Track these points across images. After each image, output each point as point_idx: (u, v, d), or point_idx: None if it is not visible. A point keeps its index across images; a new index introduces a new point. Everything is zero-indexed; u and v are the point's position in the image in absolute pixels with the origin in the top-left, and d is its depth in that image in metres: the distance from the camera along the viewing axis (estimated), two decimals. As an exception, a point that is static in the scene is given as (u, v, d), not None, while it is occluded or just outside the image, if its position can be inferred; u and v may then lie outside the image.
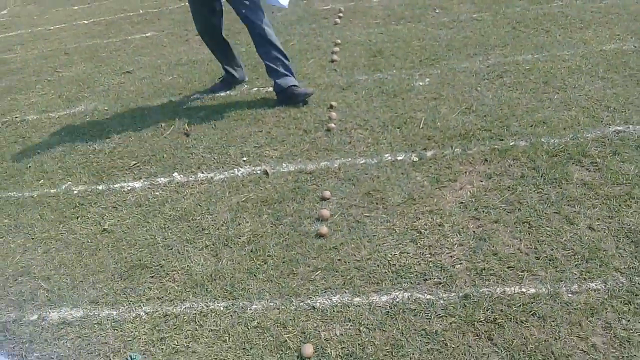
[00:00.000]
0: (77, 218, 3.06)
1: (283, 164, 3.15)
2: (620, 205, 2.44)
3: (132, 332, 2.29)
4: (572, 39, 3.98)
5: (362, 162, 3.04)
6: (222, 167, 3.23)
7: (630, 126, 2.92)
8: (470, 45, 4.17)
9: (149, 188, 3.20)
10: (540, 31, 4.19)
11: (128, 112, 4.15)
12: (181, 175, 3.24)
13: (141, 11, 6.85)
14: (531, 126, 3.07)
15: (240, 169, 3.19)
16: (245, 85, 4.19)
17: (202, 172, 3.22)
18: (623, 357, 1.83)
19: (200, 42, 5.24)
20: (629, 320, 1.94)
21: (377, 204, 2.70)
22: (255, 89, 4.12)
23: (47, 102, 4.67)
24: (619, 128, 2.93)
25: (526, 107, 3.27)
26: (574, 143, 2.87)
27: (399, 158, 3.01)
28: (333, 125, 3.40)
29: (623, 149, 2.76)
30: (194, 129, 3.70)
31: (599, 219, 2.39)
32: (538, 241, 2.33)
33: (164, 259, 2.62)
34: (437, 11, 4.94)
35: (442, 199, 2.66)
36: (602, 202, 2.48)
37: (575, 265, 2.19)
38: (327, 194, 2.81)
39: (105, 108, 4.28)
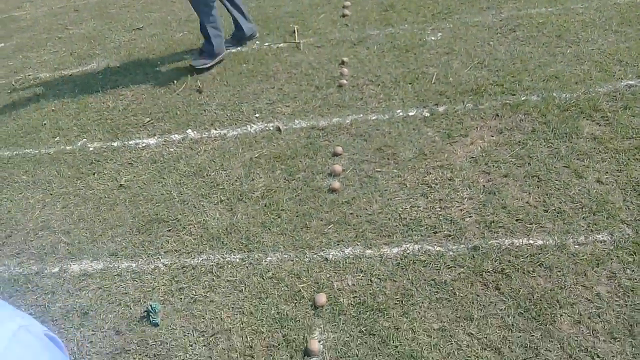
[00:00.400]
0: (94, 174, 3.13)
1: (295, 120, 3.18)
2: (629, 159, 2.46)
3: (151, 283, 2.38)
4: (587, -9, 3.91)
5: (374, 118, 3.06)
6: (235, 124, 3.27)
7: (644, 80, 2.91)
8: (483, -2, 4.11)
9: (163, 144, 3.25)
10: (555, -17, 4.11)
11: (140, 69, 4.17)
12: (195, 132, 3.28)
13: (149, -34, 6.75)
14: (543, 81, 3.07)
15: (253, 125, 3.23)
16: (257, 42, 4.17)
17: (216, 129, 3.26)
18: (627, 305, 1.89)
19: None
20: (633, 271, 1.99)
21: (388, 159, 2.74)
22: (267, 44, 4.11)
23: (59, 59, 4.69)
24: (631, 82, 2.92)
25: (539, 61, 3.25)
26: (586, 97, 2.87)
27: (410, 114, 3.03)
28: (345, 81, 3.41)
29: (634, 103, 2.76)
30: (206, 86, 3.72)
31: (607, 172, 2.42)
32: (547, 194, 2.37)
33: (180, 214, 2.69)
34: (449, -37, 4.83)
35: (453, 154, 2.70)
36: (612, 156, 2.50)
37: (583, 218, 2.23)
38: (339, 149, 2.85)
39: (117, 65, 4.30)
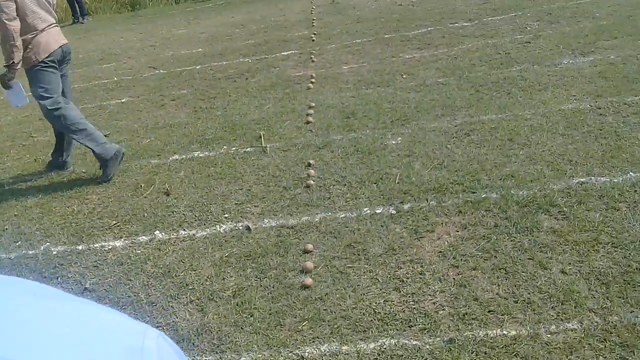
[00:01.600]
0: (57, 278, 3.03)
1: (265, 220, 3.22)
2: (588, 250, 2.57)
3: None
4: (532, 100, 4.25)
5: (342, 216, 3.13)
6: (204, 224, 3.28)
7: (592, 177, 3.12)
8: (438, 106, 4.41)
9: (130, 246, 3.21)
10: (502, 93, 4.47)
11: (106, 173, 4.19)
12: (163, 233, 3.26)
13: (115, 78, 6.99)
14: (500, 179, 3.24)
15: (222, 225, 3.24)
16: (224, 147, 4.29)
17: (184, 230, 3.26)
18: (604, 392, 1.90)
19: (177, 106, 5.40)
20: (605, 357, 2.02)
21: (359, 255, 2.78)
22: (234, 148, 4.23)
23: (23, 166, 4.67)
24: (582, 179, 3.12)
25: (494, 162, 3.45)
26: (542, 194, 3.04)
27: (377, 211, 3.12)
28: (312, 182, 3.51)
29: (587, 199, 2.94)
30: (173, 188, 3.75)
31: (570, 263, 2.52)
32: (515, 286, 2.43)
33: (148, 316, 2.61)
34: (404, 76, 5.22)
35: (422, 249, 2.76)
36: (572, 247, 2.61)
37: (552, 307, 2.28)
38: (310, 246, 2.87)
39: (83, 170, 4.31)
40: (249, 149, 4.18)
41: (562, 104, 4.10)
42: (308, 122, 4.49)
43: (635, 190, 2.94)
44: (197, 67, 6.84)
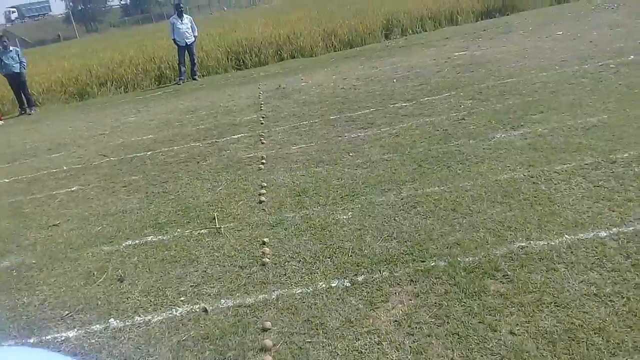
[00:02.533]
0: (6, 374, 2.91)
1: (222, 300, 3.24)
2: (533, 311, 2.72)
3: None
4: (470, 172, 4.52)
5: (298, 291, 3.19)
6: (160, 309, 3.26)
7: (531, 242, 3.32)
8: (384, 181, 4.62)
9: (84, 336, 3.14)
10: (442, 167, 4.73)
11: (57, 263, 4.12)
12: (117, 321, 3.22)
13: (65, 167, 6.97)
14: (447, 248, 3.41)
15: (178, 308, 3.23)
16: (178, 230, 4.33)
17: (140, 316, 3.23)
18: None
19: (128, 192, 5.43)
20: (558, 412, 2.12)
21: (317, 329, 2.83)
22: (188, 231, 4.27)
23: (-33, 260, 4.53)
24: (522, 244, 3.32)
25: (440, 231, 3.63)
26: (486, 260, 3.20)
27: (332, 285, 3.20)
28: (267, 259, 3.58)
29: (528, 262, 3.12)
30: (128, 274, 3.73)
31: (517, 324, 2.65)
32: (468, 349, 2.53)
33: (104, 406, 2.55)
34: (350, 155, 5.46)
35: (378, 319, 2.84)
36: (518, 309, 2.75)
37: (504, 367, 2.38)
38: (268, 324, 2.91)
39: (33, 262, 4.23)
40: (203, 231, 4.23)
41: (498, 174, 4.38)
42: (261, 202, 4.60)
43: (572, 252, 3.15)
44: (148, 153, 6.92)
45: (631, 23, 9.95)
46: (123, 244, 4.24)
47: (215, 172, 5.66)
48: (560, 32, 10.32)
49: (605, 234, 3.25)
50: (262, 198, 4.65)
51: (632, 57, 7.30)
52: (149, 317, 3.20)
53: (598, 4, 13.28)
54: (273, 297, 3.18)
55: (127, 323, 3.19)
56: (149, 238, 4.26)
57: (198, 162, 6.14)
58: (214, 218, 4.41)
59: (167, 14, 68.43)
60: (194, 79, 13.31)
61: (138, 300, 3.40)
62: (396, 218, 3.92)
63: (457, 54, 10.13)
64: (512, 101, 6.29)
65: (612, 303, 2.66)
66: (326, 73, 10.77)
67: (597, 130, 4.87)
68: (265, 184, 4.98)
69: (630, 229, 3.25)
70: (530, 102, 6.10)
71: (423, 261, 3.30)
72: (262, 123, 7.45)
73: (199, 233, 4.21)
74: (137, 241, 4.25)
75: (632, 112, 5.14)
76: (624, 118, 5.03)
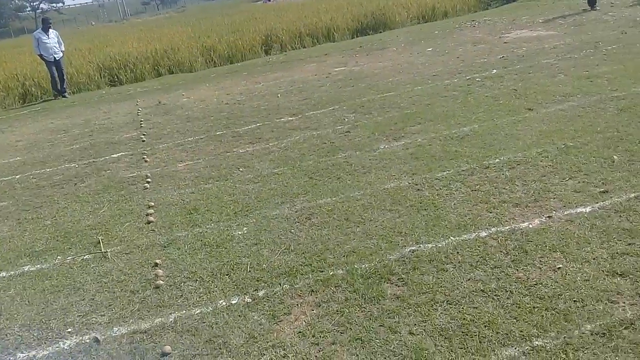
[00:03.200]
0: None
1: (114, 328, 3.04)
2: (429, 310, 2.85)
3: None
4: (359, 182, 4.67)
5: (197, 312, 3.09)
6: (45, 343, 2.99)
7: (421, 245, 3.49)
8: (277, 195, 4.63)
9: (-47, 383, 2.79)
10: (332, 178, 4.84)
11: None
12: (-4, 360, 2.91)
13: None
14: (344, 256, 3.48)
15: (66, 341, 2.99)
16: (58, 257, 4.01)
17: (22, 352, 2.94)
18: None
19: (-3, 219, 4.95)
20: (459, 404, 2.23)
21: (220, 348, 2.75)
22: (70, 258, 3.97)
23: None
24: (412, 248, 3.47)
25: (336, 241, 3.70)
26: (382, 265, 3.32)
27: (233, 302, 3.13)
28: (161, 281, 3.43)
29: (420, 264, 3.28)
30: (4, 309, 3.39)
31: (415, 324, 2.76)
32: (372, 353, 2.59)
33: None
34: (240, 170, 5.41)
35: (281, 332, 2.82)
36: (414, 310, 2.87)
37: (407, 367, 2.47)
38: (168, 348, 2.78)
39: None
40: (87, 257, 3.96)
41: (385, 183, 4.57)
42: (149, 222, 4.41)
43: (458, 252, 3.35)
44: (17, 177, 6.36)
45: (491, 40, 10.90)
46: (-5, 277, 3.85)
47: (95, 194, 5.33)
48: (430, 49, 11.05)
49: (485, 234, 3.50)
50: (151, 218, 4.45)
51: (494, 71, 7.99)
52: (34, 353, 2.92)
53: (461, 23, 14.39)
54: (170, 319, 3.05)
55: (6, 362, 2.89)
56: (26, 268, 3.90)
57: (75, 184, 5.75)
58: (99, 242, 4.14)
59: (29, 29, 63.79)
60: (64, 96, 12.49)
61: (19, 335, 3.09)
62: (292, 230, 3.94)
63: (336, 69, 10.47)
64: (392, 114, 6.60)
65: (498, 297, 2.87)
66: (208, 88, 10.62)
67: (470, 139, 5.25)
68: (153, 204, 4.78)
69: (507, 227, 3.53)
70: (409, 115, 6.44)
71: (322, 271, 3.34)
72: (143, 140, 7.16)
73: (82, 259, 3.93)
74: (12, 272, 3.87)
75: (499, 121, 5.61)
76: (493, 127, 5.48)
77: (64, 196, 5.41)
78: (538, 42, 9.83)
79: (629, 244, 3.11)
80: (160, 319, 3.08)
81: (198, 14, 34.94)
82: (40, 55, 12.25)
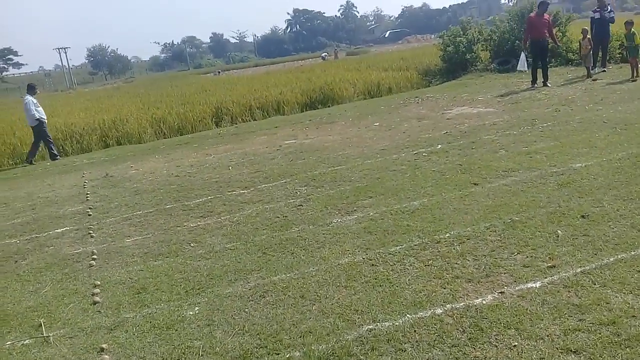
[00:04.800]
0: None
1: (55, 423, 2.83)
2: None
3: None
4: (313, 257, 4.65)
5: (147, 401, 2.92)
6: None
7: (378, 323, 3.46)
8: (230, 271, 4.54)
9: None
10: (287, 253, 4.81)
11: None
12: None
13: None
14: (300, 337, 3.40)
15: None
16: (-6, 343, 3.75)
17: None
18: None
19: None
20: None
21: None
22: (9, 343, 3.71)
23: None
24: (370, 326, 3.44)
25: (291, 320, 3.63)
26: (339, 345, 3.26)
27: (185, 390, 2.98)
28: (108, 369, 3.24)
29: (378, 344, 3.24)
30: None
31: (376, 408, 2.70)
32: None
33: None
34: (192, 245, 5.31)
35: (237, 422, 2.69)
36: (375, 393, 2.82)
37: None
38: None
39: None
40: (27, 341, 3.71)
41: (339, 258, 4.57)
42: (95, 303, 4.21)
43: (415, 330, 3.34)
44: (-50, 253, 6.00)
45: (435, 115, 11.39)
46: None
47: (37, 272, 5.07)
48: (377, 124, 11.43)
49: (441, 311, 3.52)
50: (97, 298, 4.26)
51: (439, 146, 8.31)
52: None
53: (405, 99, 15.03)
54: (118, 411, 2.87)
55: None
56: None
57: (16, 262, 5.47)
58: (40, 325, 3.91)
59: (-31, 95, 62.04)
60: (58, 159, 12.76)
61: None
62: (246, 309, 3.85)
63: (287, 142, 10.63)
64: (343, 187, 6.70)
65: (457, 377, 2.86)
66: (157, 160, 10.52)
67: (421, 213, 5.37)
68: (99, 282, 4.59)
69: (462, 304, 3.56)
70: (360, 188, 6.55)
71: (278, 354, 3.25)
72: (89, 215, 6.95)
73: (22, 344, 3.69)
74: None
75: (446, 195, 5.78)
76: (441, 201, 5.64)
77: (4, 275, 5.12)
78: (478, 118, 10.34)
79: (580, 320, 3.19)
80: (106, 410, 2.89)
81: (147, 84, 35.08)
82: (40, 120, 12.54)
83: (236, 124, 15.01)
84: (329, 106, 16.38)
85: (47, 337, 3.73)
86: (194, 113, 15.11)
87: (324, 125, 12.37)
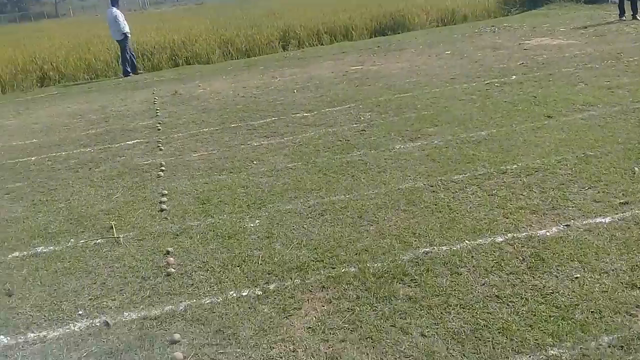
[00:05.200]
0: None
1: (124, 313, 3.04)
2: (441, 313, 2.82)
3: None
4: (374, 181, 4.63)
5: (207, 301, 3.07)
6: (56, 324, 2.99)
7: (435, 247, 3.45)
8: (290, 190, 4.61)
9: (-38, 358, 2.80)
10: (347, 176, 4.81)
11: None
12: (8, 338, 2.91)
13: None
14: (356, 254, 3.45)
15: (77, 323, 2.99)
16: (71, 240, 4.02)
17: (33, 332, 2.94)
18: None
19: (12, 200, 4.98)
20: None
21: (229, 339, 2.73)
22: (83, 241, 3.98)
23: None
24: (427, 249, 3.44)
25: (348, 238, 3.67)
26: (394, 265, 3.28)
27: (243, 294, 3.12)
28: (172, 269, 3.42)
29: (434, 266, 3.24)
30: (17, 288, 3.39)
31: (427, 326, 2.72)
32: (382, 353, 2.56)
33: None
34: (254, 163, 5.40)
35: (291, 327, 2.80)
36: (427, 312, 2.84)
37: (418, 369, 2.44)
38: (177, 336, 2.76)
39: None
40: (99, 241, 3.96)
41: (400, 183, 4.53)
42: (162, 210, 4.40)
43: (472, 256, 3.31)
44: (33, 159, 6.39)
45: (511, 46, 10.80)
46: (9, 256, 3.86)
47: (109, 180, 5.34)
48: (449, 52, 10.97)
49: (501, 239, 3.46)
50: (164, 206, 4.45)
51: (514, 77, 7.92)
52: (44, 333, 2.92)
53: (481, 28, 14.30)
54: (181, 308, 3.04)
55: (19, 340, 2.89)
56: (39, 249, 3.91)
57: (90, 169, 5.76)
58: (112, 227, 4.14)
59: (48, 13, 64.19)
60: (140, 72, 13.00)
61: (30, 315, 3.10)
62: (304, 226, 3.92)
63: (353, 68, 10.42)
64: (408, 114, 6.56)
65: (513, 304, 2.82)
66: (224, 81, 10.62)
67: (487, 143, 5.20)
68: (166, 192, 4.78)
69: (524, 234, 3.48)
70: (425, 116, 6.39)
71: (334, 268, 3.32)
72: (159, 129, 7.17)
73: (95, 243, 3.94)
74: (25, 253, 3.88)
75: (517, 127, 5.55)
76: (511, 132, 5.42)
77: (79, 180, 5.42)
78: (559, 50, 9.73)
79: (649, 257, 3.06)
80: (170, 306, 3.07)
81: (216, 7, 34.99)
82: (126, 35, 12.56)
83: (303, 48, 14.81)
84: (399, 33, 15.80)
85: (117, 238, 3.96)
86: (261, 36, 14.97)
87: (392, 52, 12.00)
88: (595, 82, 7.03)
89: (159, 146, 6.31)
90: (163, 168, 5.46)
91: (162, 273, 3.42)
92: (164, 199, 4.62)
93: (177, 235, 3.93)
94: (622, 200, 3.74)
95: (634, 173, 4.12)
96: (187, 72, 12.70)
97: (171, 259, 3.56)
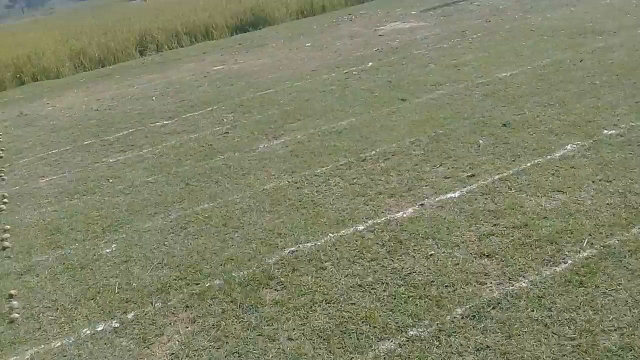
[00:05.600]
0: None
1: (-42, 376, 2.68)
2: (307, 312, 2.78)
3: None
4: (238, 185, 4.51)
5: (57, 345, 2.80)
6: None
7: (300, 245, 3.41)
8: (150, 205, 4.35)
9: None
10: (210, 183, 4.64)
11: None
12: None
13: None
14: (221, 265, 3.32)
15: None
16: None
17: None
18: None
19: None
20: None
21: (82, 383, 2.50)
22: None
23: None
24: (292, 248, 3.38)
25: (213, 249, 3.52)
26: (260, 270, 3.19)
27: (98, 329, 2.87)
28: (16, 314, 3.08)
29: (299, 265, 3.19)
30: None
31: (294, 329, 2.67)
32: (248, 366, 2.46)
33: None
34: (110, 181, 5.05)
35: (152, 356, 2.62)
36: (294, 313, 2.78)
37: (286, 377, 2.37)
38: (21, 391, 2.48)
39: None
40: None
41: (264, 184, 4.44)
42: (4, 248, 3.97)
43: (336, 248, 3.30)
44: None
45: (367, 33, 11.11)
46: None
47: (-58, 221, 4.74)
48: (309, 44, 11.07)
49: (362, 227, 3.49)
50: (6, 244, 4.02)
51: (370, 63, 8.12)
52: None
53: (338, 17, 14.60)
54: (27, 357, 2.74)
55: None
56: None
57: None
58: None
59: None
60: None
61: None
62: (166, 243, 3.71)
63: (215, 68, 10.17)
64: (271, 111, 6.49)
65: (374, 290, 2.85)
66: (76, 95, 9.90)
67: (348, 133, 5.26)
68: (9, 227, 4.33)
69: (382, 219, 3.54)
70: (288, 111, 6.36)
71: (197, 284, 3.16)
72: (0, 157, 6.50)
73: None
74: None
75: (374, 113, 5.68)
76: (369, 119, 5.54)
77: None
78: (411, 33, 10.15)
79: (494, 225, 3.22)
80: (14, 357, 2.75)
81: (68, 16, 32.77)
82: None
83: (162, 52, 14.25)
84: (260, 28, 15.70)
85: (-50, 288, 3.50)
86: (116, 42, 14.19)
87: (254, 48, 11.89)
88: (443, 62, 7.39)
89: (0, 176, 5.71)
90: (5, 200, 4.94)
91: (5, 320, 3.07)
92: (6, 235, 4.17)
93: (22, 274, 3.56)
94: (469, 174, 3.93)
95: (479, 146, 4.36)
96: (34, 89, 11.70)
97: (15, 303, 3.21)
